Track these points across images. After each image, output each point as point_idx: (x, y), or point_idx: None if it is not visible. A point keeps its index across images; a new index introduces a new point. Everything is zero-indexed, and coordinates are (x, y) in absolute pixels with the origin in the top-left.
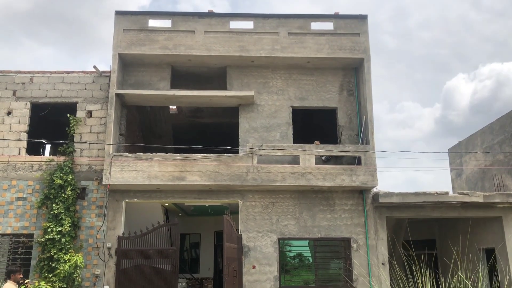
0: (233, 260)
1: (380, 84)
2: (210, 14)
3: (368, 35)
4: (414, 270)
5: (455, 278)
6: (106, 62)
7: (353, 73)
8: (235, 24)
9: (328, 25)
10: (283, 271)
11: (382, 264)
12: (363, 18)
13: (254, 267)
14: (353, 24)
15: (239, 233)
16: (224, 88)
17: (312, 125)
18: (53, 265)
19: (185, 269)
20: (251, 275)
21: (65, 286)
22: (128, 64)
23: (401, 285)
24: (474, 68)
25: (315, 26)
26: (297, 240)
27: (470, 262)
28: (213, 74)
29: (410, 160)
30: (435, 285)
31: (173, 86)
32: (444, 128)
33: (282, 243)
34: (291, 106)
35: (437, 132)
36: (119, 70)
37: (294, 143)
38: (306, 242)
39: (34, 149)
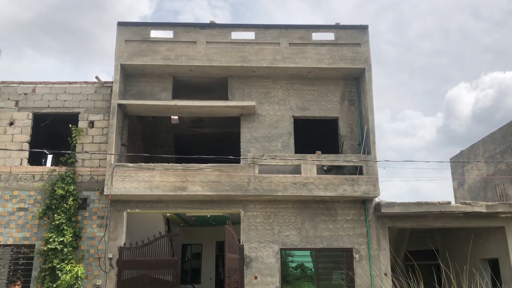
0: (235, 270)
1: (382, 93)
2: (212, 25)
3: (369, 45)
4: (416, 281)
5: None
6: (108, 72)
7: (354, 83)
8: (236, 35)
9: (329, 36)
10: (285, 281)
11: (385, 274)
12: (363, 28)
13: (256, 277)
14: (354, 35)
15: (241, 243)
16: (225, 98)
17: (314, 135)
18: (55, 275)
19: (187, 280)
20: (252, 286)
21: None
22: (130, 75)
23: None
24: (476, 77)
25: (316, 36)
26: (299, 251)
27: (474, 273)
28: (214, 84)
29: (412, 169)
30: None
31: (175, 96)
32: (446, 137)
33: (284, 254)
34: (292, 116)
35: (439, 141)
36: (121, 80)
37: (295, 153)
38: (308, 252)
39: (36, 159)
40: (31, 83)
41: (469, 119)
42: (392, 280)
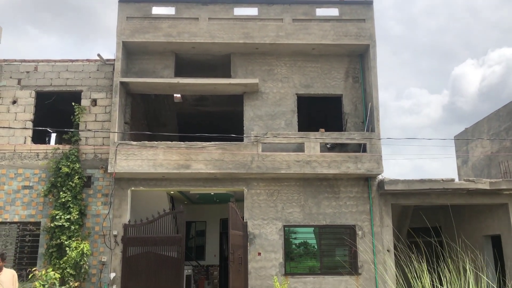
0: (239, 247)
1: (387, 71)
2: (214, 1)
3: (373, 21)
4: (419, 257)
5: (460, 266)
6: (110, 50)
7: (358, 59)
8: (239, 11)
9: (333, 11)
10: (288, 258)
11: (388, 251)
12: (368, 4)
13: (259, 254)
14: (359, 10)
15: (244, 220)
16: (228, 76)
17: (317, 113)
18: (62, 252)
19: (191, 257)
20: (256, 262)
21: (74, 273)
22: (132, 52)
23: (406, 271)
24: (483, 54)
25: (320, 12)
26: (302, 228)
27: (476, 249)
28: (217, 62)
29: (417, 147)
30: (438, 272)
31: (177, 74)
32: (452, 115)
33: (287, 231)
34: (296, 94)
35: (445, 119)
36: (123, 58)
37: (299, 131)
38: (311, 230)
39: (39, 138)
40: (33, 61)
41: (476, 96)
42: (395, 256)
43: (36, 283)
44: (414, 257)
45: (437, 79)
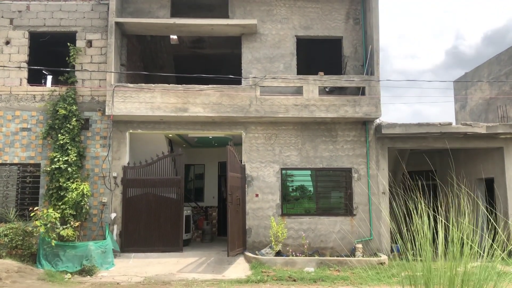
0: (237, 188)
1: (389, 14)
2: None
3: None
4: (413, 199)
5: (454, 205)
6: None
7: (359, 0)
8: None
9: None
10: (285, 200)
11: (383, 193)
12: None
13: (257, 195)
14: None
15: (242, 163)
16: (226, 17)
17: (317, 56)
18: (62, 193)
19: (190, 198)
20: (254, 203)
21: (74, 213)
22: None
23: (400, 214)
24: None
25: None
26: (299, 170)
27: (470, 190)
28: (214, 2)
29: (417, 91)
30: (432, 212)
31: (174, 14)
32: (454, 59)
33: (285, 174)
34: (295, 36)
35: (447, 63)
36: None
37: (298, 74)
38: (308, 173)
39: (35, 80)
40: (24, 0)
41: (479, 40)
42: (390, 198)
43: (37, 222)
44: (408, 199)
45: (440, 22)
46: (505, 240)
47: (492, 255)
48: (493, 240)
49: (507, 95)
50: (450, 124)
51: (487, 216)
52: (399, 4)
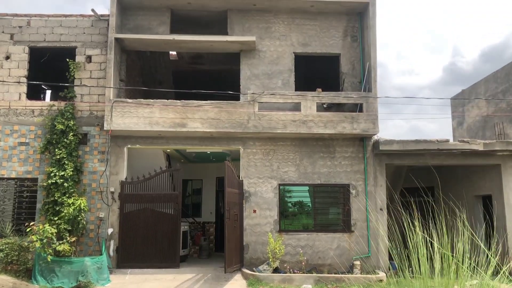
0: (234, 204)
1: (387, 31)
2: None
3: None
4: (411, 215)
5: (452, 222)
6: (104, 5)
7: (357, 18)
8: None
9: None
10: (283, 216)
11: (381, 209)
12: None
13: (254, 211)
14: None
15: (240, 179)
16: (225, 33)
17: (315, 73)
18: (58, 208)
19: (188, 214)
20: (251, 219)
21: (70, 228)
22: (127, 8)
23: (398, 230)
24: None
25: None
26: (297, 186)
27: (467, 208)
28: (213, 18)
29: (414, 108)
30: (430, 229)
31: (173, 31)
32: (452, 76)
33: (283, 189)
34: (293, 52)
35: (445, 80)
36: (117, 13)
37: (296, 90)
38: (306, 189)
39: (34, 95)
40: (25, 15)
41: (477, 57)
42: (388, 214)
43: (33, 237)
44: (406, 215)
45: (438, 39)
46: (503, 257)
47: (495, 273)
48: (487, 257)
49: (504, 113)
50: (447, 141)
51: (485, 232)
52: (398, 20)
